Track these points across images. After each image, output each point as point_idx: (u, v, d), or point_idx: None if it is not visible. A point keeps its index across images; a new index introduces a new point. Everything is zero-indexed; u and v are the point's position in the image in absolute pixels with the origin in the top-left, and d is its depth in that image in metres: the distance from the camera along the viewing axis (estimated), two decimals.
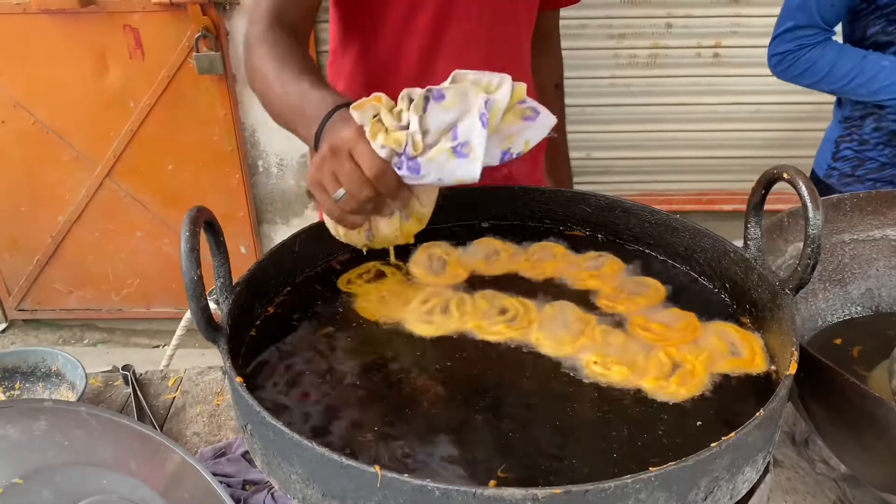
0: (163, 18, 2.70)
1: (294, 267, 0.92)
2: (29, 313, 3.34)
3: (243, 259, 3.10)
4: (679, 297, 0.90)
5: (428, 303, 0.87)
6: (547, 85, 1.48)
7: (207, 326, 0.69)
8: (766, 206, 0.85)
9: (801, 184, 0.76)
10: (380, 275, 0.94)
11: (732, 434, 0.58)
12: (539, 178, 1.48)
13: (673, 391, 0.74)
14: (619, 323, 0.86)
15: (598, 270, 0.95)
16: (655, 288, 0.92)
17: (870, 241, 1.14)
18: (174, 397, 1.22)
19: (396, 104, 0.78)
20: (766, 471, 0.68)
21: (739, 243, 0.88)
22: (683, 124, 2.98)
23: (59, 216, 3.09)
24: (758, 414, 0.60)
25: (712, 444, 0.57)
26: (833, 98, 1.66)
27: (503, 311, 0.86)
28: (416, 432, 0.69)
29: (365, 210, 0.80)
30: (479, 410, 0.72)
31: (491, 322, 0.85)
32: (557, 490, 0.54)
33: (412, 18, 1.17)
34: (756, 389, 0.74)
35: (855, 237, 1.13)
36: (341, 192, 0.78)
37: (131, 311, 3.32)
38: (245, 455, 1.05)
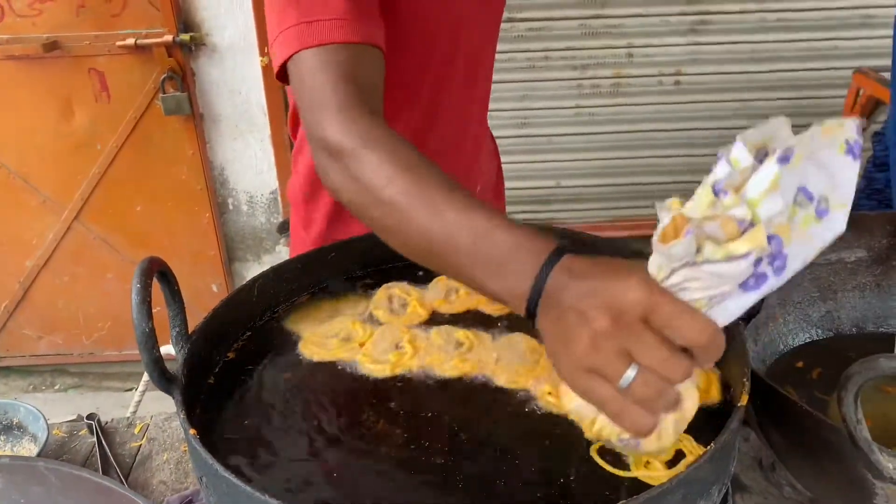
0: (128, 61, 2.70)
1: (253, 311, 0.92)
2: None
3: (215, 297, 3.08)
4: None
5: (382, 342, 0.87)
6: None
7: (161, 378, 0.69)
8: None
9: None
10: (334, 314, 0.94)
11: (682, 469, 0.58)
12: (502, 190, 1.49)
13: None
14: None
15: None
16: None
17: (826, 264, 1.16)
18: (140, 445, 1.21)
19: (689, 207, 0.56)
20: (724, 501, 0.69)
21: None
22: (648, 150, 3.02)
23: (27, 261, 3.05)
24: (708, 448, 0.60)
25: (662, 481, 0.57)
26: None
27: (459, 345, 0.86)
28: (373, 477, 0.69)
29: (667, 397, 0.59)
30: (437, 452, 0.72)
31: (446, 357, 0.84)
32: None
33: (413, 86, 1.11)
34: (712, 420, 0.75)
35: (813, 260, 1.15)
36: (631, 374, 0.57)
37: (103, 355, 3.27)
38: None
